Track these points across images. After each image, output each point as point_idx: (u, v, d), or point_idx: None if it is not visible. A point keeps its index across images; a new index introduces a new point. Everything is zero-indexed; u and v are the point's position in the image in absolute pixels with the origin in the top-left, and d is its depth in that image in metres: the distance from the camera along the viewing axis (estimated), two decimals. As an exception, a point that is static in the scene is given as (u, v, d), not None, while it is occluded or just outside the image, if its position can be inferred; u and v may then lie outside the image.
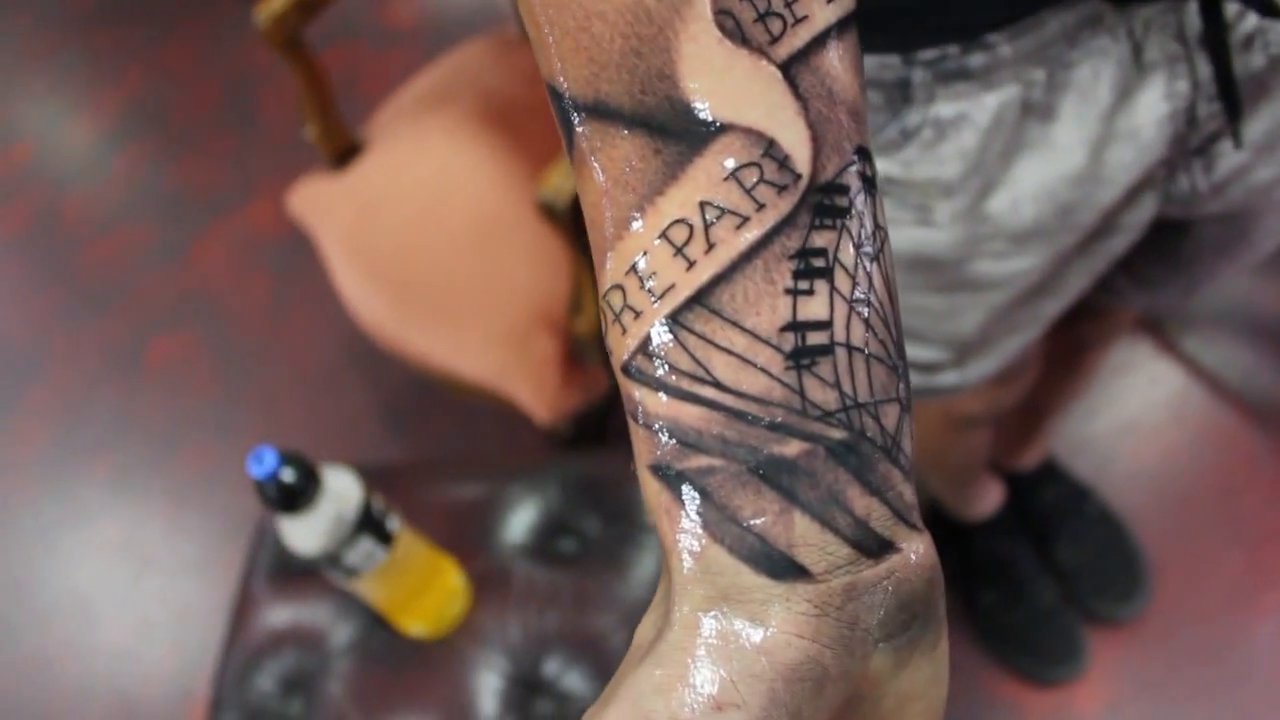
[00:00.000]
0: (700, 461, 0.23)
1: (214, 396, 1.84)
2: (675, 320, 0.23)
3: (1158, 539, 1.40)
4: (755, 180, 0.23)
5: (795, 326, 0.23)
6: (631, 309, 0.24)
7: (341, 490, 0.83)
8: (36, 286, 2.11)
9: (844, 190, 0.23)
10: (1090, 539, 1.36)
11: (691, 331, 0.23)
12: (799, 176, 0.23)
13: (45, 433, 1.88)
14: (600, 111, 0.23)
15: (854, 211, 0.23)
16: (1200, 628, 1.34)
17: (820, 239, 0.23)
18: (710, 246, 0.23)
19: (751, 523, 0.23)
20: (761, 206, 0.23)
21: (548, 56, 0.24)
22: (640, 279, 0.23)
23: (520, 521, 1.04)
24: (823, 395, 0.23)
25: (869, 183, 0.24)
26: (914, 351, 0.76)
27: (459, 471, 1.13)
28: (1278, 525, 1.40)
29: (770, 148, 0.23)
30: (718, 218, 0.23)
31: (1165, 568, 1.38)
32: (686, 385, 0.23)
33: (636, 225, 0.23)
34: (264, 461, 0.77)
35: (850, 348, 0.23)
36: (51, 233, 2.20)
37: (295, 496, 0.79)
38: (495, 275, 1.21)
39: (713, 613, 0.23)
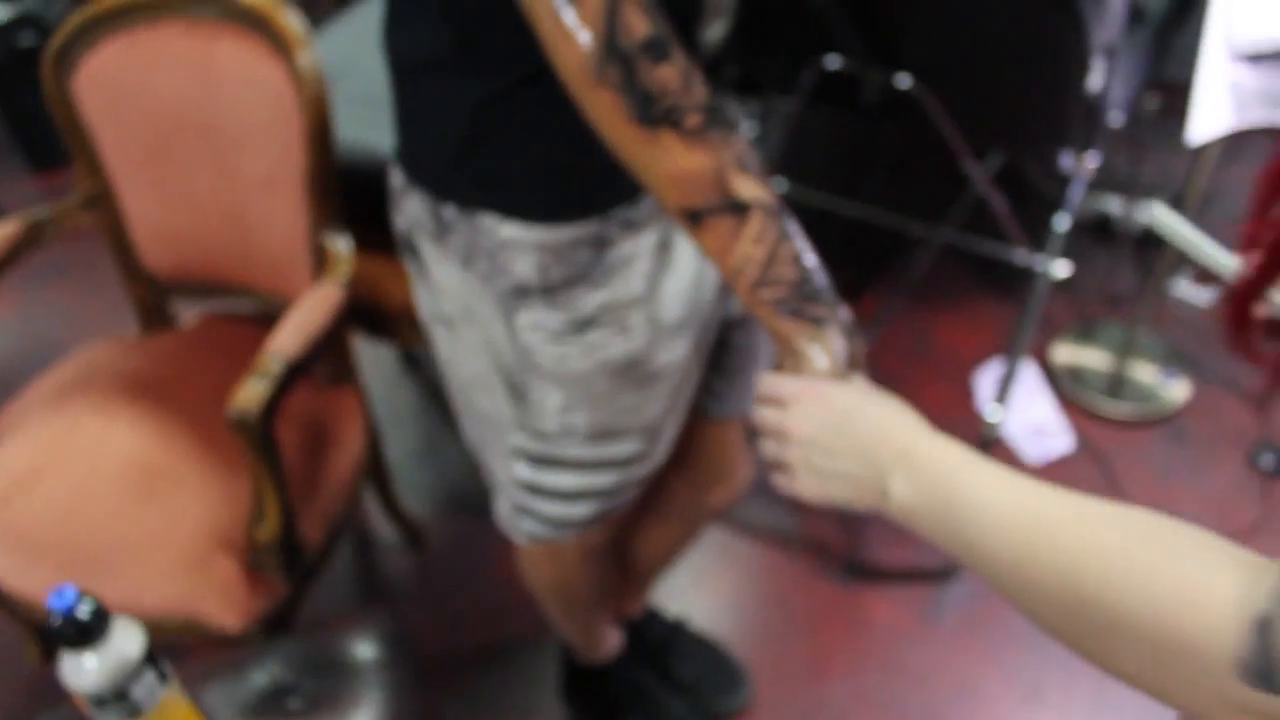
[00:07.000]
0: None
1: None
2: None
3: (741, 647, 1.76)
4: None
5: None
6: None
7: (126, 627, 0.92)
8: None
9: None
10: (695, 655, 1.69)
11: None
12: None
13: None
14: None
15: None
16: (795, 701, 1.69)
17: None
18: None
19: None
20: None
21: None
22: None
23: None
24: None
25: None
26: (619, 448, 1.08)
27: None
28: (823, 618, 1.82)
29: None
30: None
31: (755, 664, 1.73)
32: None
33: None
34: (64, 596, 0.87)
35: None
36: None
37: (89, 631, 0.88)
38: (168, 514, 1.34)
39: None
